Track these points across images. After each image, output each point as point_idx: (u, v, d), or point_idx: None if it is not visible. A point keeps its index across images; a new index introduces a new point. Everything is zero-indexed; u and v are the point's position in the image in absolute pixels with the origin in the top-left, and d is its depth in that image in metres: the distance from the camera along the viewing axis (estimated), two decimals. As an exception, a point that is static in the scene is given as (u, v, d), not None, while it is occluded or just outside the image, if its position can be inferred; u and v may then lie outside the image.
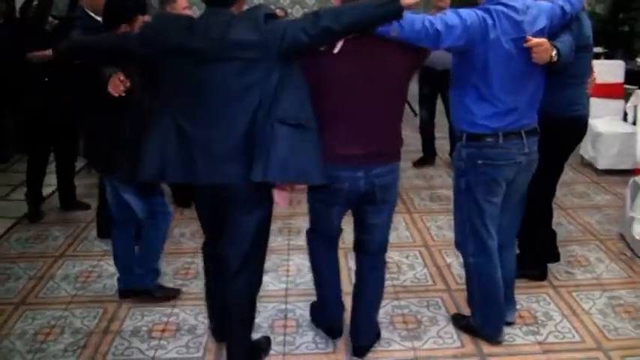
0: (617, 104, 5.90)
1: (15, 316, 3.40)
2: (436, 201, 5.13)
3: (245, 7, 2.57)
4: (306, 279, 3.73)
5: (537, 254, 3.69)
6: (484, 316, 3.06)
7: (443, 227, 4.55)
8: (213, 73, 2.39)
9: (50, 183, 4.92)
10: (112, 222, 3.48)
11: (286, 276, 3.85)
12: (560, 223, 4.48)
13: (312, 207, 2.90)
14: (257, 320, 3.27)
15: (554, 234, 3.84)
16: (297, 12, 8.71)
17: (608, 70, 5.65)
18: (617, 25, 7.89)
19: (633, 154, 4.86)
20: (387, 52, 2.49)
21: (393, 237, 4.23)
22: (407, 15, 2.37)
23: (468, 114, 2.77)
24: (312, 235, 3.03)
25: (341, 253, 3.18)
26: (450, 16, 2.51)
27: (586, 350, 3.05)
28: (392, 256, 3.93)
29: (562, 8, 2.86)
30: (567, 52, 2.77)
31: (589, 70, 3.43)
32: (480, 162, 2.78)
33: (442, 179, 5.69)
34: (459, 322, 3.26)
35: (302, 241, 4.21)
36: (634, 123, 5.70)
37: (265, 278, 3.72)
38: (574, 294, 3.57)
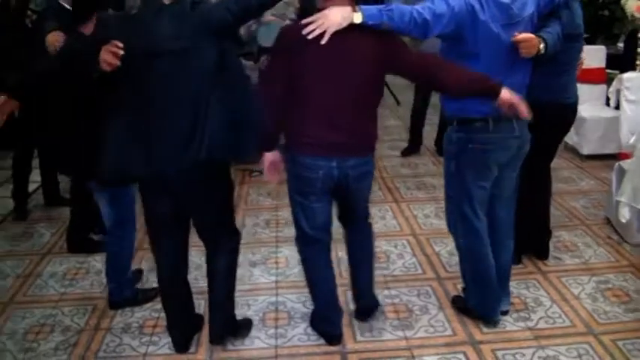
0: (600, 89, 5.95)
1: (4, 315, 3.36)
2: (422, 189, 5.13)
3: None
4: (295, 270, 3.73)
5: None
6: (479, 296, 3.10)
7: (430, 215, 4.56)
8: (155, 67, 2.49)
9: (34, 179, 4.86)
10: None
11: (275, 268, 3.84)
12: (547, 208, 4.50)
13: (292, 203, 2.91)
14: (248, 313, 3.29)
15: (545, 229, 3.86)
16: (278, 2, 8.62)
17: (589, 56, 5.64)
18: (597, 10, 7.91)
19: (617, 138, 4.90)
20: (361, 45, 2.54)
21: (380, 226, 4.30)
22: (396, 7, 2.44)
23: (458, 101, 2.79)
24: (301, 241, 3.00)
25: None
26: (438, 3, 2.54)
27: (576, 335, 3.07)
28: (380, 245, 3.94)
29: None
30: (555, 43, 2.78)
31: (579, 58, 3.45)
32: (470, 146, 2.80)
33: (427, 167, 5.71)
34: (456, 303, 3.29)
35: (290, 232, 4.18)
36: (617, 107, 5.76)
37: (255, 271, 3.77)
38: (563, 279, 3.60)
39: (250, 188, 5.24)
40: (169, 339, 3.05)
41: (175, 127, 2.52)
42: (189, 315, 3.05)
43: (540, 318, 3.21)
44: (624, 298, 3.39)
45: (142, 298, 3.44)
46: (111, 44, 2.42)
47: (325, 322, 3.08)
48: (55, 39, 3.27)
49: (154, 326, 3.22)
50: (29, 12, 4.39)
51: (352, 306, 3.25)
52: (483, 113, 2.74)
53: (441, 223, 4.36)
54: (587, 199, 4.81)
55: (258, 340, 3.10)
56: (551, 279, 3.60)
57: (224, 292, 2.94)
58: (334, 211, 3.00)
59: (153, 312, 3.34)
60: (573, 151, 5.85)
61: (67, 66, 2.74)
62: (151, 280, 3.60)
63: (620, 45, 7.64)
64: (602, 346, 2.97)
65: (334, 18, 2.42)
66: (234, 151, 2.64)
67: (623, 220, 4.06)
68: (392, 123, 6.98)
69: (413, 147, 6.05)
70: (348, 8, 2.45)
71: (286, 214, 4.50)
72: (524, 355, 2.93)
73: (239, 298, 3.17)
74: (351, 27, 2.45)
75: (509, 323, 3.16)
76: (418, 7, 2.50)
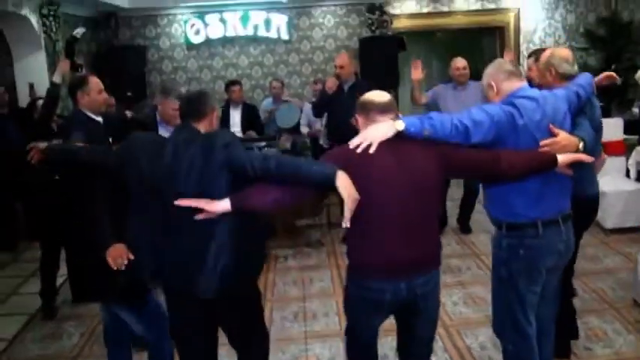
0: (620, 161, 5.99)
1: None
2: (448, 273, 5.11)
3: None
4: (327, 370, 3.70)
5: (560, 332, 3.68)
6: None
7: (458, 303, 4.55)
8: (176, 187, 2.56)
9: (60, 273, 4.90)
10: (108, 341, 3.46)
11: (306, 368, 3.82)
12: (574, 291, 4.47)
13: (351, 308, 2.78)
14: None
15: (573, 310, 3.84)
16: (294, 82, 8.84)
17: (607, 129, 5.71)
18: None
19: (638, 211, 4.89)
20: (415, 152, 2.51)
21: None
22: (436, 115, 2.51)
23: (504, 204, 2.82)
24: (350, 339, 2.91)
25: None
26: (477, 112, 2.61)
27: None
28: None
29: (577, 94, 2.96)
30: (590, 140, 2.85)
31: (599, 151, 3.49)
32: (521, 252, 2.80)
33: (452, 247, 5.71)
34: None
35: (319, 326, 4.23)
36: (637, 179, 5.77)
37: (286, 374, 3.74)
38: (597, 372, 3.56)
39: (276, 276, 5.26)
40: None
41: (196, 248, 2.58)
42: None
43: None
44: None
45: None
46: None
47: None
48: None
49: None
50: (55, 117, 4.51)
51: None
52: (532, 218, 2.77)
53: (469, 312, 4.37)
54: (614, 278, 4.77)
55: None
56: (585, 372, 3.56)
57: None
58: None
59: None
60: (596, 225, 5.80)
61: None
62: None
63: (636, 110, 7.72)
64: None
65: (376, 131, 2.48)
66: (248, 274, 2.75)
67: (652, 300, 4.03)
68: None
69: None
70: (389, 121, 2.51)
71: (314, 305, 4.54)
72: None
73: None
74: (399, 139, 2.48)
75: None
76: (458, 115, 2.56)
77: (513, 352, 2.99)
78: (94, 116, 3.94)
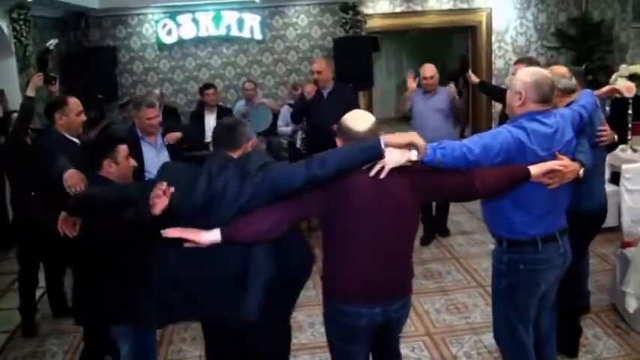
0: (592, 163, 6.05)
1: None
2: (430, 278, 5.17)
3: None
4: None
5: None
6: None
7: (441, 310, 4.59)
8: (212, 214, 2.50)
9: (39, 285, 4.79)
10: None
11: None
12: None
13: (331, 348, 2.83)
14: None
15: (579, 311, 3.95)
16: (268, 82, 8.77)
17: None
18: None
19: (614, 212, 4.99)
20: (395, 181, 2.50)
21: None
22: (447, 143, 2.52)
23: (505, 220, 2.89)
24: None
25: None
26: (486, 137, 2.64)
27: None
28: (397, 350, 3.94)
29: (580, 115, 3.02)
30: (588, 161, 2.93)
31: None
32: (521, 267, 2.88)
33: (430, 251, 5.76)
34: None
35: (306, 338, 4.23)
36: (611, 181, 5.88)
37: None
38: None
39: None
40: None
41: (224, 277, 2.56)
42: None
43: None
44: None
45: None
46: (158, 186, 2.45)
47: None
48: (75, 182, 3.28)
49: None
50: (29, 130, 4.39)
51: None
52: (532, 235, 2.84)
53: (454, 319, 4.42)
54: (592, 282, 4.82)
55: None
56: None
57: None
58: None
59: None
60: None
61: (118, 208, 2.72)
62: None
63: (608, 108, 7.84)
64: None
65: (390, 158, 2.44)
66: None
67: (631, 311, 4.11)
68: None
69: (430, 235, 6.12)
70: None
71: (300, 316, 4.50)
72: None
73: None
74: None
75: None
76: (467, 141, 2.60)
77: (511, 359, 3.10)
78: (71, 138, 3.86)
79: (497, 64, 8.91)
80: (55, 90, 4.81)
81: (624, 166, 4.96)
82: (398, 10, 8.70)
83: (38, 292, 4.88)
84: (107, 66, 7.96)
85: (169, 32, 8.46)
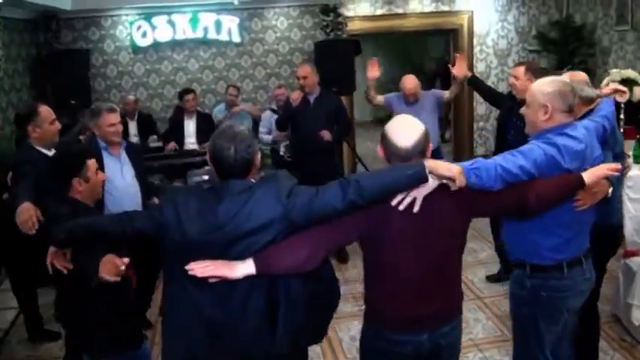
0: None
1: None
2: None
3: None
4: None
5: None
6: None
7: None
8: (231, 251, 2.25)
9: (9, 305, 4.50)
10: None
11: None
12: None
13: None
14: None
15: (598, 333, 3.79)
16: (246, 86, 8.51)
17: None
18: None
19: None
20: (440, 200, 2.30)
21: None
22: (481, 162, 2.32)
23: (530, 244, 2.72)
24: None
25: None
26: (519, 155, 2.45)
27: None
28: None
29: (603, 126, 2.90)
30: (615, 177, 2.76)
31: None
32: (544, 294, 2.72)
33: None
34: None
35: None
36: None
37: None
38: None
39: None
40: None
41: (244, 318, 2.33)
42: None
43: None
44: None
45: None
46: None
47: None
48: (24, 220, 2.97)
49: None
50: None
51: None
52: (557, 260, 2.69)
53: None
54: (592, 292, 4.76)
55: None
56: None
57: None
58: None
59: None
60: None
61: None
62: None
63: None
64: None
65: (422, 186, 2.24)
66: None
67: (637, 323, 4.02)
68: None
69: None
70: None
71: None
72: None
73: None
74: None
75: None
76: (500, 159, 2.39)
77: None
78: (45, 151, 3.56)
79: (479, 67, 8.79)
80: None
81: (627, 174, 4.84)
82: (379, 12, 8.53)
83: (12, 314, 4.61)
84: (80, 70, 7.56)
85: (144, 35, 8.13)
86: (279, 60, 8.51)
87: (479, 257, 5.43)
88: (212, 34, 8.26)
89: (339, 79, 7.36)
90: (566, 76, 3.26)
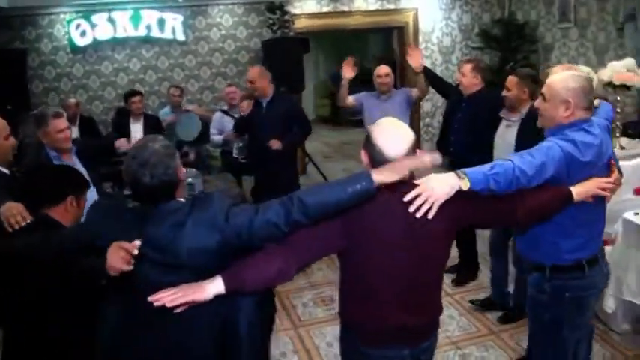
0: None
1: None
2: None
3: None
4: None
5: None
6: None
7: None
8: (165, 282, 2.07)
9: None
10: None
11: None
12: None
13: None
14: None
15: None
16: (191, 86, 8.28)
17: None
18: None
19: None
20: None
21: None
22: (499, 166, 2.25)
23: (550, 246, 2.65)
24: None
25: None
26: (537, 155, 2.37)
27: None
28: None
29: (607, 128, 2.83)
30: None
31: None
32: (567, 295, 2.65)
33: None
34: None
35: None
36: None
37: None
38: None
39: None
40: None
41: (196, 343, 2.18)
42: None
43: None
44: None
45: None
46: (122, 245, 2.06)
47: None
48: (15, 215, 2.63)
49: None
50: None
51: None
52: (578, 258, 2.64)
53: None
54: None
55: None
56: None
57: None
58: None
59: None
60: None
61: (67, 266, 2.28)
62: None
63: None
64: None
65: (441, 190, 2.10)
66: None
67: (609, 311, 4.08)
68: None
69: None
70: (452, 175, 2.17)
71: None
72: None
73: None
74: (409, 187, 2.13)
75: None
76: (517, 160, 2.31)
77: None
78: (1, 169, 3.21)
79: (425, 64, 8.84)
80: None
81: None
82: (325, 10, 8.47)
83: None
84: (16, 72, 7.14)
85: (83, 34, 7.78)
86: (225, 59, 8.33)
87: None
88: (155, 33, 8.00)
89: (288, 77, 7.24)
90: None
